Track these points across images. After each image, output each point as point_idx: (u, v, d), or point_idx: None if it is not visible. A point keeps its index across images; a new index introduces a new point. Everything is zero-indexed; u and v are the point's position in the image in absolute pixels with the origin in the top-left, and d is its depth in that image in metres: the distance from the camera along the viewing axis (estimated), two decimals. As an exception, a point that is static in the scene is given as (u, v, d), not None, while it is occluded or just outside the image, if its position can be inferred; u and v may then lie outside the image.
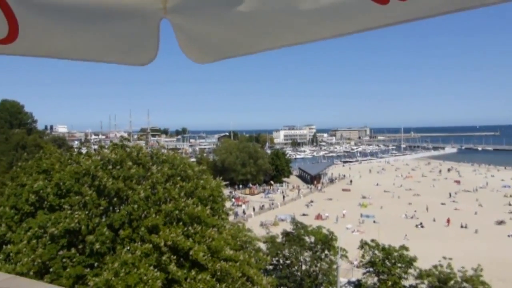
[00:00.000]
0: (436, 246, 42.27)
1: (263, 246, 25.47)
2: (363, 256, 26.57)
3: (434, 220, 56.82)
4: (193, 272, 14.24)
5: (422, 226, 54.56)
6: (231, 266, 14.81)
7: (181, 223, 15.98)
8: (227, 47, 1.64)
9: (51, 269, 15.47)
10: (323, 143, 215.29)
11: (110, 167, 17.58)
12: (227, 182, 77.59)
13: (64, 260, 15.60)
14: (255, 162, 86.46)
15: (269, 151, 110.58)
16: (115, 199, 16.29)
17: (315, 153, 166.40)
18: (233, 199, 66.10)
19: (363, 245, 26.47)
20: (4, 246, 17.57)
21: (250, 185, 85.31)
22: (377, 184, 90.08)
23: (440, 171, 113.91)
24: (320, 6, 1.31)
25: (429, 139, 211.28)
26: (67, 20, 1.53)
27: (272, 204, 69.87)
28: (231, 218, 29.60)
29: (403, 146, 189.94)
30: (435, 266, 24.11)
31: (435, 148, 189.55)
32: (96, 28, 1.56)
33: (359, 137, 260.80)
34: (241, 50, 1.64)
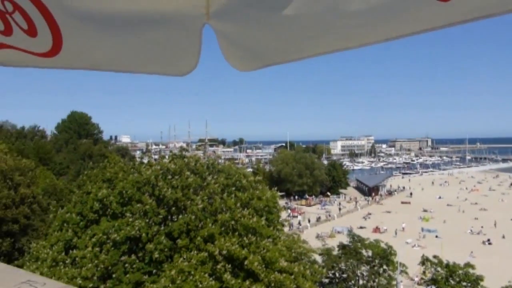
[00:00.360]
0: (505, 264, 39.68)
1: (318, 258, 25.10)
2: (424, 273, 25.46)
3: (503, 237, 53.30)
4: (247, 282, 14.24)
5: (489, 243, 51.40)
6: (286, 277, 14.66)
7: (236, 233, 16.09)
8: (272, 54, 1.57)
9: (113, 275, 16.09)
10: (382, 154, 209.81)
11: (170, 177, 18.13)
12: (283, 193, 77.54)
13: (125, 265, 16.19)
14: (311, 173, 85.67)
15: (326, 162, 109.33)
16: (173, 208, 16.73)
17: (373, 164, 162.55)
18: (288, 210, 65.75)
19: (424, 261, 25.33)
20: (70, 251, 18.53)
21: (306, 196, 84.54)
22: (440, 197, 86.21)
23: (510, 184, 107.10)
24: (371, 6, 1.21)
25: (497, 151, 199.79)
26: (109, 31, 1.51)
27: (329, 215, 68.73)
28: (286, 229, 29.47)
29: (468, 157, 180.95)
30: (506, 287, 22.60)
31: (504, 160, 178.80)
32: (137, 37, 1.53)
33: (420, 148, 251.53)
34: (287, 57, 1.57)
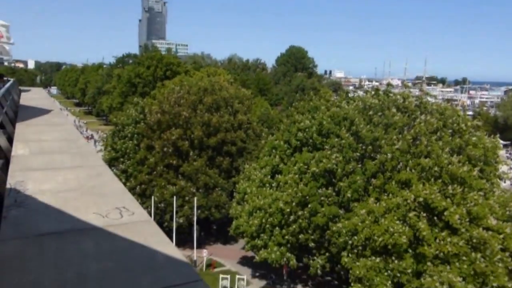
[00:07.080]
0: None
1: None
2: None
3: None
4: (443, 233, 13.16)
5: None
6: (492, 236, 12.97)
7: (439, 181, 14.80)
8: None
9: (309, 205, 16.95)
10: None
11: (371, 113, 17.52)
12: (508, 142, 67.79)
13: (322, 198, 16.84)
14: (549, 121, 72.10)
15: None
16: (370, 147, 16.28)
17: None
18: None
19: None
20: (276, 175, 20.20)
21: (538, 148, 71.96)
22: None
23: None
24: None
25: None
26: None
27: None
28: (506, 184, 25.92)
29: None
30: None
31: None
32: None
33: None
34: None
